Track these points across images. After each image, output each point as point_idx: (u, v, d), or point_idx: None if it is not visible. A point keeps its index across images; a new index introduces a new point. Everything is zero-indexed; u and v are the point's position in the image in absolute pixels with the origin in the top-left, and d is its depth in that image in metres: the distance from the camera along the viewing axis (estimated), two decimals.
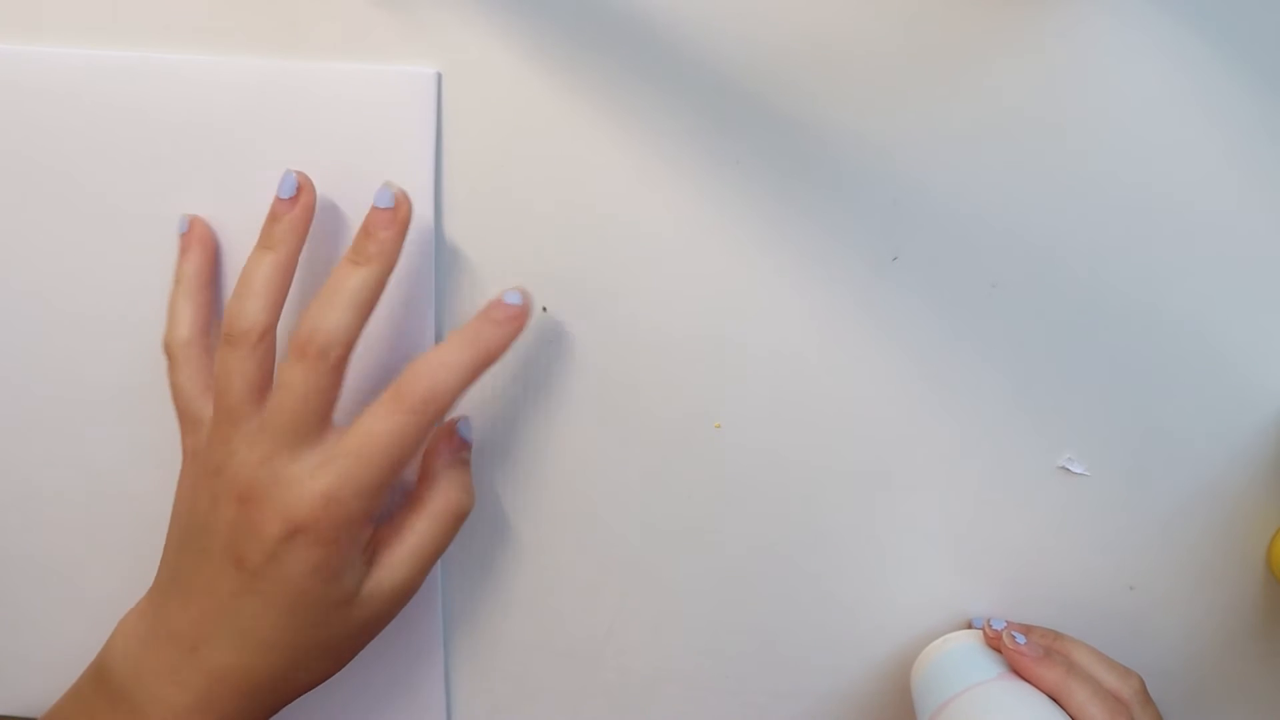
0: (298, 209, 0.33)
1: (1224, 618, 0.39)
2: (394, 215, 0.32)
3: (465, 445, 0.36)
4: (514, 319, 0.32)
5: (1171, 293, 0.35)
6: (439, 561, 0.38)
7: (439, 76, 0.34)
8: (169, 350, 0.35)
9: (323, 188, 0.35)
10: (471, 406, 0.38)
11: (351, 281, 0.31)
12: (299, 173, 0.34)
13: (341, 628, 0.32)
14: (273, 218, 0.33)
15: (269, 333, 0.32)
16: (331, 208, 0.35)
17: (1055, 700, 0.32)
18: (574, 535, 0.39)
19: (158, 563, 0.37)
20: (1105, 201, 0.34)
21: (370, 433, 0.31)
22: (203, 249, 0.35)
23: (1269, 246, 0.34)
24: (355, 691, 0.41)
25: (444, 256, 0.36)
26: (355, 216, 0.36)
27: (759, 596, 0.39)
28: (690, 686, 0.41)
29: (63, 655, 0.42)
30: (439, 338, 0.37)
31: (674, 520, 0.39)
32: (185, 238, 0.35)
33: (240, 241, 0.36)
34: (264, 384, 0.32)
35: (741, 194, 0.35)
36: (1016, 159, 0.34)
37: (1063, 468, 0.37)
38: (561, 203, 0.35)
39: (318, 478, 0.31)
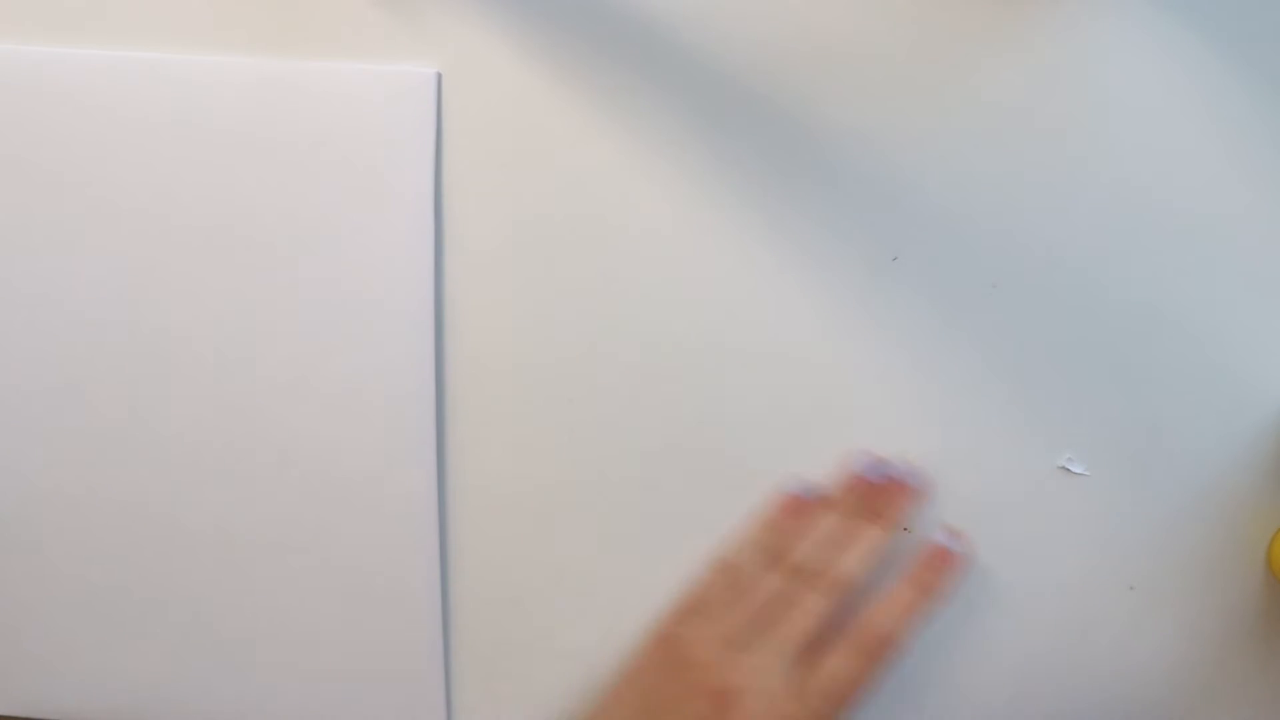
0: (913, 493, 0.37)
1: (1224, 618, 0.39)
2: (909, 489, 0.37)
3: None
4: (953, 562, 0.36)
5: (1171, 293, 0.35)
6: (440, 560, 0.38)
7: (439, 76, 0.34)
8: (731, 562, 0.37)
9: (323, 187, 0.35)
10: (472, 406, 0.38)
11: (872, 538, 0.36)
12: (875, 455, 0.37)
13: None
14: (886, 495, 0.36)
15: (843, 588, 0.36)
16: (332, 207, 0.35)
17: None
18: (574, 535, 0.39)
19: (157, 560, 0.38)
20: (1105, 201, 0.34)
21: (837, 678, 0.34)
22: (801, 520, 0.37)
23: (1269, 247, 0.34)
24: (356, 691, 0.41)
25: (443, 256, 0.36)
26: (356, 215, 0.36)
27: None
28: None
29: (63, 655, 0.42)
30: (439, 337, 0.37)
31: (674, 520, 0.39)
32: (792, 502, 0.37)
33: (239, 240, 0.36)
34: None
35: (741, 194, 0.35)
36: (1017, 159, 0.34)
37: (1063, 468, 0.37)
38: (561, 202, 0.35)
39: (792, 703, 0.34)
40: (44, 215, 0.36)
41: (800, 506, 0.37)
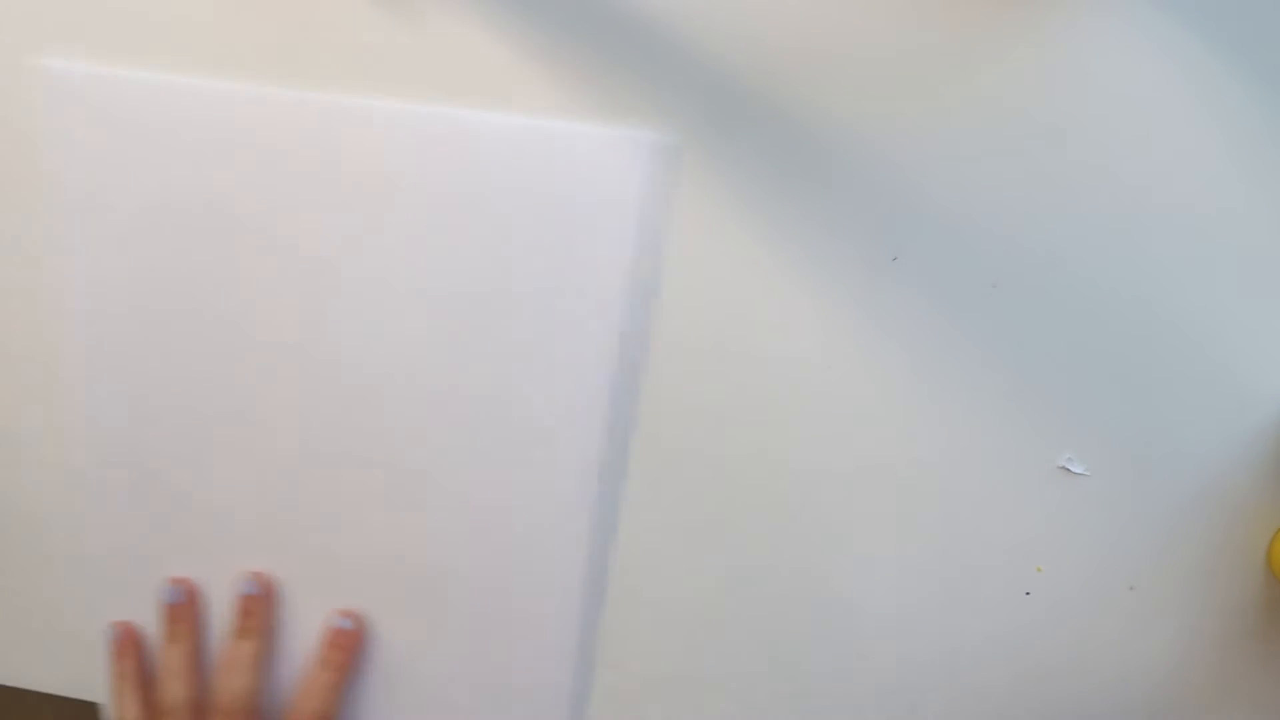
0: (191, 609, 0.41)
1: (1224, 618, 0.39)
2: (265, 599, 0.40)
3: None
4: (353, 639, 0.41)
5: (1172, 293, 0.35)
6: (587, 597, 0.38)
7: (663, 146, 0.34)
8: None
9: (537, 241, 0.35)
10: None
11: (246, 652, 0.40)
12: (183, 580, 0.41)
13: None
14: (171, 619, 0.41)
15: (195, 703, 0.40)
16: (547, 260, 0.35)
17: None
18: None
19: (151, 530, 0.40)
20: (1105, 202, 0.34)
21: None
22: (135, 651, 0.41)
23: (1270, 247, 0.34)
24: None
25: (641, 322, 0.36)
26: (564, 271, 0.36)
27: (760, 595, 0.39)
28: (690, 686, 0.41)
29: (56, 625, 0.43)
30: (619, 400, 0.37)
31: (674, 519, 0.39)
32: (119, 644, 0.41)
33: (446, 284, 0.36)
34: None
35: (741, 194, 0.35)
36: (1017, 160, 0.34)
37: (1063, 468, 0.37)
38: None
39: None
40: (250, 251, 0.37)
41: (132, 650, 0.41)
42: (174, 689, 0.40)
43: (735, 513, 0.38)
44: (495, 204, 0.35)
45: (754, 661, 0.40)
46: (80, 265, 0.37)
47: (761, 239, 0.35)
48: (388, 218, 0.36)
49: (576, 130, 0.34)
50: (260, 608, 0.40)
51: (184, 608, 0.41)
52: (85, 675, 0.44)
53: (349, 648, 0.40)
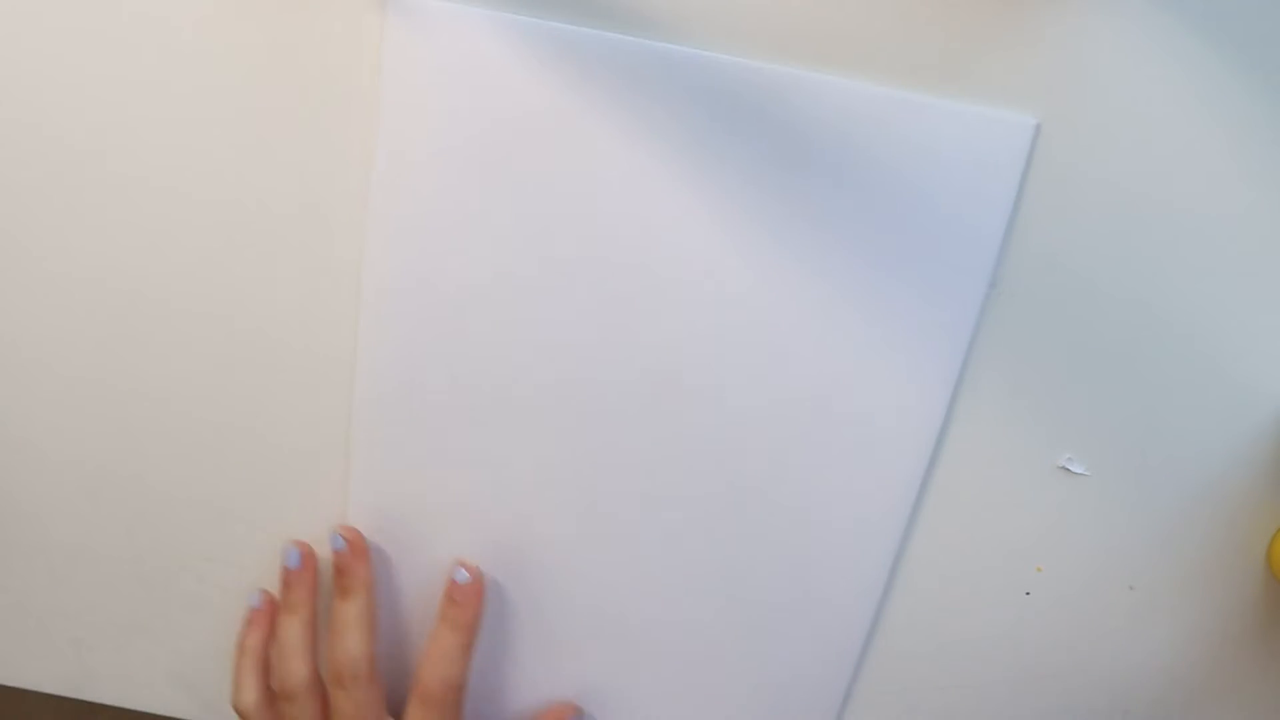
0: (308, 575, 0.38)
1: (1224, 618, 0.39)
2: (359, 555, 0.37)
3: None
4: (473, 592, 0.37)
5: (1171, 293, 0.35)
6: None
7: (1037, 128, 0.33)
8: (241, 712, 0.38)
9: (885, 217, 0.34)
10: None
11: (351, 612, 0.37)
12: (301, 544, 0.38)
13: None
14: (286, 585, 0.38)
15: (315, 680, 0.37)
16: (895, 237, 0.34)
17: None
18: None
19: (117, 514, 0.39)
20: (1105, 201, 0.34)
21: None
22: (267, 624, 0.39)
23: (1269, 247, 0.34)
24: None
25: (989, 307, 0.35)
26: (919, 246, 0.34)
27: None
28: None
29: (53, 624, 0.43)
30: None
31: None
32: (255, 613, 0.39)
33: (827, 284, 0.35)
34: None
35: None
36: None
37: (1063, 468, 0.37)
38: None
39: None
40: (582, 220, 0.34)
41: (264, 623, 0.39)
42: (293, 668, 0.37)
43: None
44: (855, 179, 0.33)
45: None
46: (386, 209, 0.34)
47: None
48: (738, 183, 0.33)
49: (953, 108, 0.31)
50: (353, 565, 0.37)
51: (300, 574, 0.38)
52: (85, 675, 0.44)
53: (471, 603, 0.37)
